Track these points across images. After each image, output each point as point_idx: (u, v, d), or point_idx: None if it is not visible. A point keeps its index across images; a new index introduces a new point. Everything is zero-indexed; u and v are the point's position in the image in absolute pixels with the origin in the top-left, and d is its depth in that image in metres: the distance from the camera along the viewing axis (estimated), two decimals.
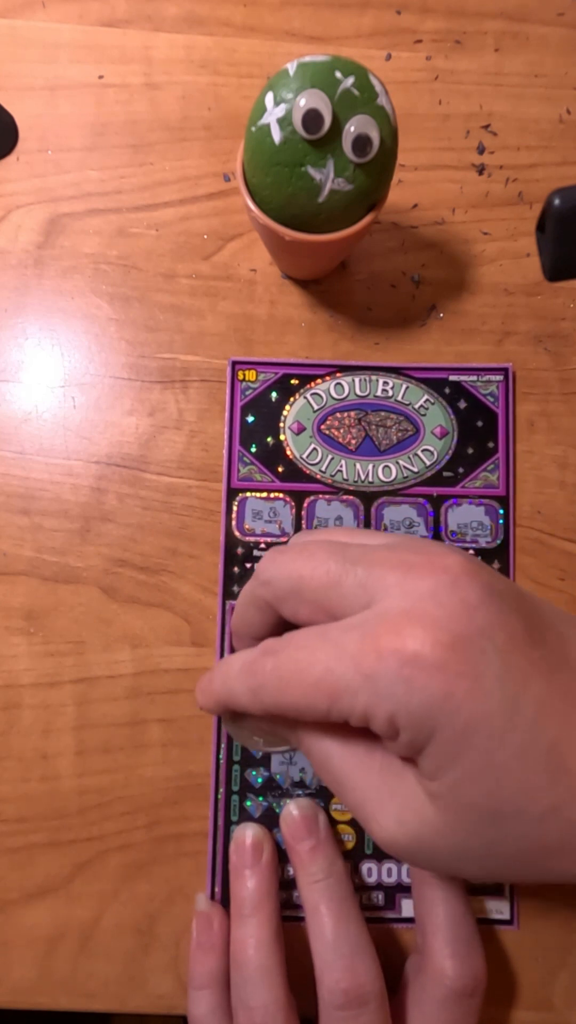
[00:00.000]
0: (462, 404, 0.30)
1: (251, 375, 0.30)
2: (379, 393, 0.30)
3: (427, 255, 0.32)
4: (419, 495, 0.29)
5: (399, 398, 0.30)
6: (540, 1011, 0.27)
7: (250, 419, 0.30)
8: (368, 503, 0.29)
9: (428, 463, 0.29)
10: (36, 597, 0.29)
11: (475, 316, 0.31)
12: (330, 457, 0.29)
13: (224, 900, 0.27)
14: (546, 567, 0.29)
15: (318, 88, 0.22)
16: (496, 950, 0.27)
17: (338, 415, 0.30)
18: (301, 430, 0.30)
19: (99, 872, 0.27)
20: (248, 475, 0.29)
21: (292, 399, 0.30)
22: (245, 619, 0.23)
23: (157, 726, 0.28)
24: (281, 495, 0.29)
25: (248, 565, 0.29)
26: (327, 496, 0.29)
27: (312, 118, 0.22)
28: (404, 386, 0.30)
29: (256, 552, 0.29)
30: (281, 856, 0.27)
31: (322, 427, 0.30)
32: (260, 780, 0.28)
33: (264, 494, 0.29)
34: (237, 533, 0.29)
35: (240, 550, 0.29)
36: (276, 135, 0.22)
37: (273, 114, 0.22)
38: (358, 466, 0.29)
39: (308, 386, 0.30)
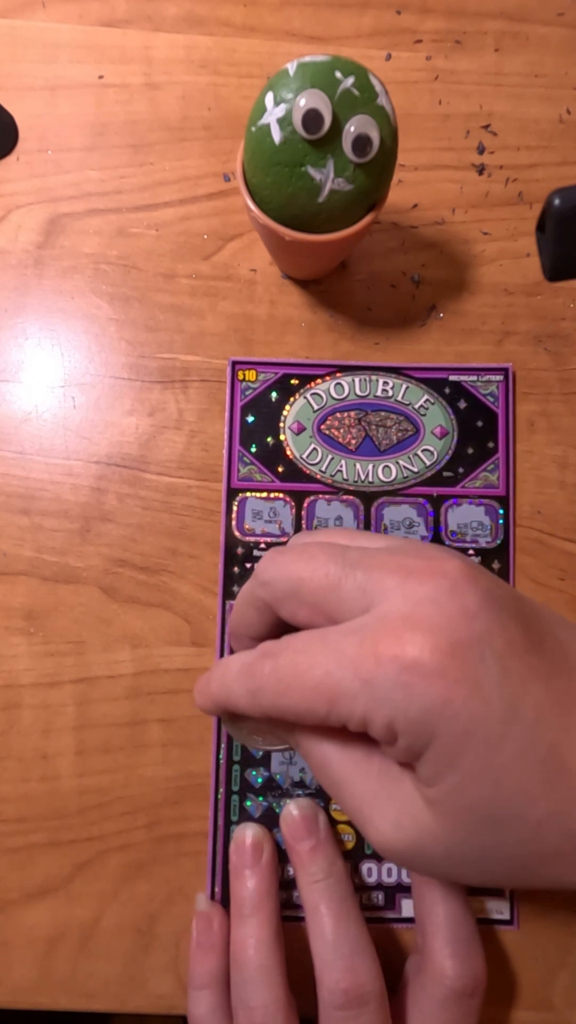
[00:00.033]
0: (462, 404, 0.30)
1: (251, 375, 0.30)
2: (379, 393, 0.30)
3: (427, 255, 0.32)
4: (419, 495, 0.29)
5: (399, 398, 0.30)
6: (540, 1011, 0.27)
7: (250, 419, 0.30)
8: (368, 503, 0.29)
9: (428, 463, 0.29)
10: (36, 597, 0.29)
11: (475, 316, 0.31)
12: (330, 457, 0.29)
13: (224, 900, 0.27)
14: (546, 567, 0.29)
15: (318, 88, 0.22)
16: (496, 950, 0.27)
17: (338, 415, 0.30)
18: (301, 430, 0.30)
19: (99, 872, 0.27)
20: (248, 475, 0.29)
21: (292, 399, 0.30)
22: (244, 619, 0.23)
23: (157, 726, 0.28)
24: (281, 495, 0.29)
25: (248, 565, 0.29)
26: (327, 496, 0.29)
27: (312, 118, 0.22)
28: (404, 386, 0.30)
29: (256, 552, 0.29)
30: (281, 856, 0.27)
31: (322, 427, 0.30)
32: (260, 780, 0.28)
33: (264, 494, 0.29)
34: (237, 533, 0.29)
35: (240, 550, 0.29)
36: (276, 135, 0.22)
37: (273, 114, 0.22)
38: (358, 466, 0.29)
39: (308, 386, 0.30)
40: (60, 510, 0.29)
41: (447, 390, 0.30)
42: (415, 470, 0.29)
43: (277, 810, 0.27)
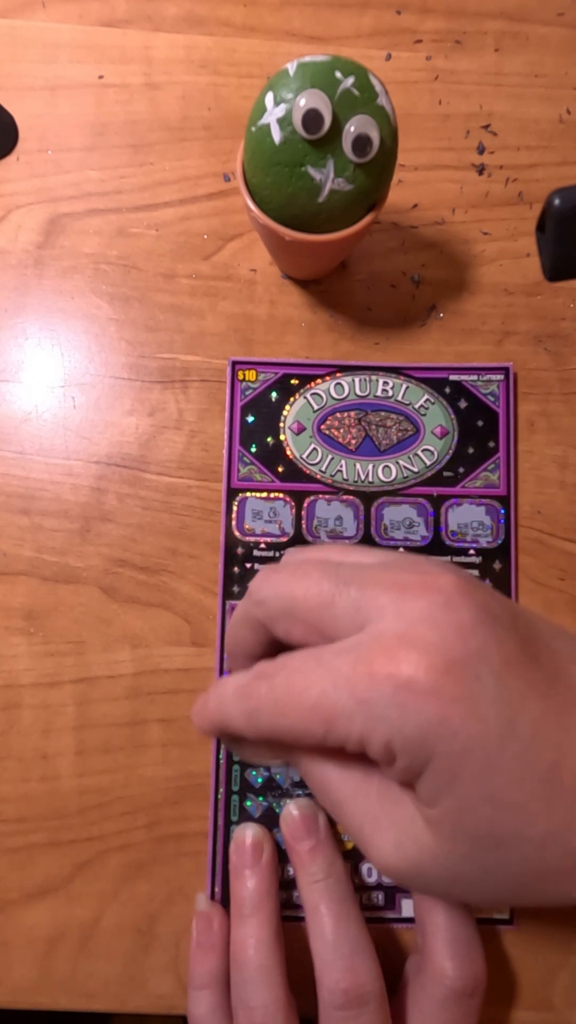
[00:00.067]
0: (462, 404, 0.30)
1: (251, 375, 0.30)
2: (379, 393, 0.30)
3: (427, 255, 0.32)
4: (419, 495, 0.29)
5: (399, 398, 0.30)
6: (540, 1011, 0.27)
7: (250, 419, 0.30)
8: (368, 503, 0.29)
9: (428, 463, 0.29)
10: (36, 597, 0.29)
11: (475, 316, 0.31)
12: (330, 457, 0.29)
13: (224, 900, 0.27)
14: (546, 567, 0.29)
15: (318, 88, 0.22)
16: (496, 950, 0.27)
17: (338, 415, 0.30)
18: (301, 430, 0.30)
19: (99, 872, 0.27)
20: (248, 475, 0.29)
21: (292, 399, 0.30)
22: (239, 639, 0.23)
23: (157, 726, 0.28)
24: (281, 495, 0.29)
25: (248, 565, 0.29)
26: (327, 496, 0.29)
27: (312, 118, 0.22)
28: (404, 386, 0.30)
29: (256, 552, 0.29)
30: (281, 856, 0.27)
31: (322, 427, 0.30)
32: (260, 780, 0.28)
33: (264, 494, 0.29)
34: (237, 533, 0.29)
35: (240, 550, 0.29)
36: (276, 135, 0.22)
37: (273, 114, 0.22)
38: (358, 466, 0.29)
39: (308, 386, 0.30)
40: (60, 510, 0.29)
41: (447, 390, 0.30)
42: (415, 470, 0.29)
43: (277, 810, 0.27)
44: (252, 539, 0.29)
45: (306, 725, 0.18)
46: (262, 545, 0.29)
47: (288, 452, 0.30)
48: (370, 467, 0.29)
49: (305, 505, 0.29)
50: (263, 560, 0.29)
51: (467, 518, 0.29)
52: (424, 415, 0.30)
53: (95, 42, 0.33)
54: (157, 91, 0.32)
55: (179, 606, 0.29)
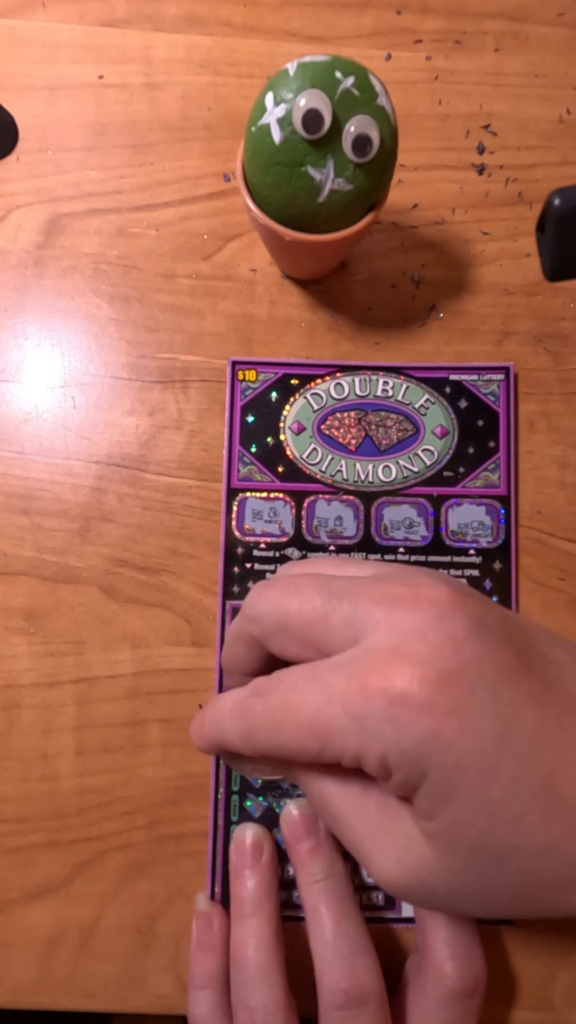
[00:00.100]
0: (463, 403, 0.30)
1: (251, 375, 0.30)
2: (379, 393, 0.30)
3: (427, 255, 0.32)
4: (419, 495, 0.29)
5: (399, 398, 0.30)
6: (540, 1011, 0.27)
7: (250, 419, 0.30)
8: (368, 503, 0.29)
9: (428, 463, 0.29)
10: (36, 597, 0.29)
11: (475, 316, 0.31)
12: (330, 457, 0.29)
13: (224, 900, 0.27)
14: (546, 567, 0.29)
15: (318, 88, 0.22)
16: (496, 950, 0.27)
17: (338, 415, 0.30)
18: (301, 430, 0.30)
19: (99, 872, 0.27)
20: (248, 475, 0.29)
21: (292, 399, 0.30)
22: (235, 655, 0.23)
23: (157, 726, 0.28)
24: (281, 495, 0.29)
25: (248, 565, 0.29)
26: (327, 496, 0.29)
27: (312, 118, 0.22)
28: (404, 386, 0.30)
29: (256, 552, 0.29)
30: (281, 856, 0.27)
31: (322, 427, 0.30)
32: (260, 780, 0.28)
33: (264, 494, 0.29)
34: (237, 533, 0.29)
35: (240, 550, 0.29)
36: (276, 135, 0.22)
37: (273, 114, 0.22)
38: (358, 466, 0.29)
39: (308, 386, 0.30)
40: (60, 510, 0.29)
41: (447, 389, 0.30)
42: (415, 470, 0.29)
43: (277, 810, 0.27)
44: (252, 539, 0.29)
45: (302, 742, 0.18)
46: (262, 545, 0.29)
47: (288, 452, 0.30)
48: (370, 467, 0.29)
49: (305, 505, 0.29)
50: (263, 560, 0.29)
51: (467, 518, 0.29)
52: (424, 415, 0.30)
53: (95, 42, 0.33)
54: (157, 91, 0.32)
55: (179, 606, 0.29)
